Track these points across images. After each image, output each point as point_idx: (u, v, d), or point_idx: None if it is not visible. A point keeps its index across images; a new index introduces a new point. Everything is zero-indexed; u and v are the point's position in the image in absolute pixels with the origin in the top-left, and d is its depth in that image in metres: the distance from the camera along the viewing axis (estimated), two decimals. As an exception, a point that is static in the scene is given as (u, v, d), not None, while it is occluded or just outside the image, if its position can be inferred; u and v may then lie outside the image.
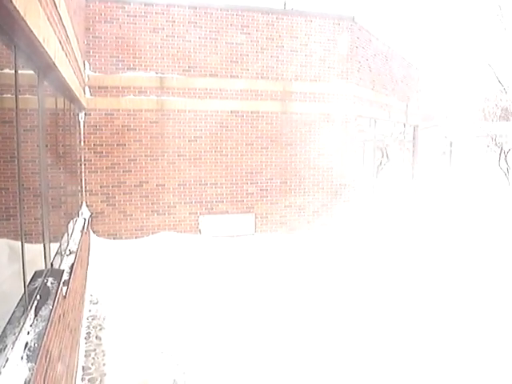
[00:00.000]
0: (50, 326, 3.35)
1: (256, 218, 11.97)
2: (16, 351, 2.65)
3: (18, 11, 2.45)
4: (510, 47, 21.06)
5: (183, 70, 11.08)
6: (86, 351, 6.01)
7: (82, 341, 6.27)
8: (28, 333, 2.97)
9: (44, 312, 3.38)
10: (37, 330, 3.06)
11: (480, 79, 24.41)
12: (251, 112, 11.74)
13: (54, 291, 3.86)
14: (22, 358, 2.63)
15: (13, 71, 3.16)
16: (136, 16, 10.63)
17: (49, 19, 3.92)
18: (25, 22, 2.70)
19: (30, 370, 2.57)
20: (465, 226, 14.78)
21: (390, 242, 12.66)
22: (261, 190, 12.00)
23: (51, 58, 4.04)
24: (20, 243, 3.25)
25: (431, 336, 6.81)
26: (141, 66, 10.76)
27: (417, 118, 20.86)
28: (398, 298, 8.37)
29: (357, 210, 13.49)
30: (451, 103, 30.76)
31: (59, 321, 4.02)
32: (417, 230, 14.30)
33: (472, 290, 8.76)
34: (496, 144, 26.85)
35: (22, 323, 2.97)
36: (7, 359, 2.52)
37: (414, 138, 21.08)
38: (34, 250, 3.87)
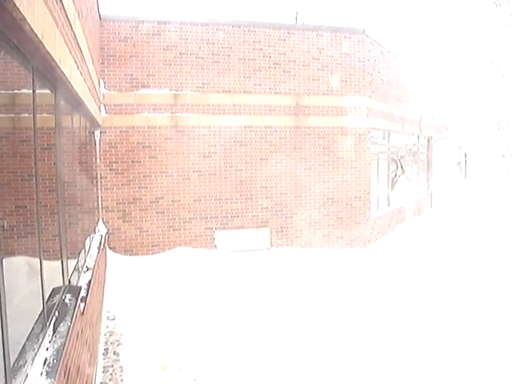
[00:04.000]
0: (69, 342, 3.39)
1: (271, 232, 11.97)
2: (35, 367, 2.68)
3: (35, 34, 2.52)
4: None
5: (197, 87, 11.17)
6: (103, 367, 6.03)
7: (100, 356, 6.30)
8: (47, 349, 3.01)
9: (62, 328, 3.42)
10: (55, 346, 3.10)
11: (494, 89, 24.28)
12: (265, 127, 11.79)
13: (71, 308, 3.90)
14: (41, 373, 2.67)
15: (30, 91, 3.23)
16: (149, 34, 10.77)
17: (65, 40, 4.00)
18: (42, 44, 2.77)
19: (49, 386, 2.60)
20: (485, 237, 14.65)
21: (409, 255, 12.58)
22: (275, 204, 12.01)
23: (67, 78, 4.12)
24: (38, 260, 3.30)
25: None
26: (155, 83, 10.87)
27: (430, 129, 20.81)
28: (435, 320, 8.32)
29: (373, 223, 13.44)
30: (465, 113, 30.62)
31: (77, 337, 4.06)
32: (435, 241, 14.21)
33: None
34: (511, 153, 26.67)
35: (40, 339, 3.01)
36: (27, 375, 2.55)
37: (427, 150, 21.01)
38: (51, 267, 3.92)
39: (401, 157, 17.05)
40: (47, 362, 2.84)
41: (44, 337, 3.08)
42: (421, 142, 19.75)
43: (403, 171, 17.05)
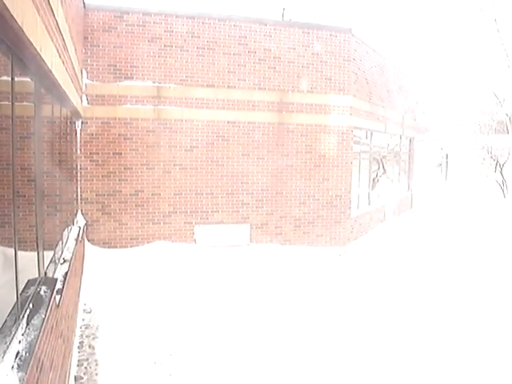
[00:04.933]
0: (43, 335, 3.33)
1: (251, 228, 11.95)
2: (6, 361, 2.63)
3: (15, 20, 2.46)
4: (504, 61, 21.19)
5: (180, 80, 11.10)
6: (78, 360, 5.97)
7: (75, 350, 6.23)
8: (19, 342, 2.95)
9: (36, 321, 3.37)
10: (28, 339, 3.04)
11: (476, 92, 24.52)
12: (248, 122, 11.75)
13: (47, 300, 3.84)
14: (12, 367, 2.61)
15: (9, 78, 3.16)
16: (134, 25, 10.66)
17: (46, 28, 3.93)
18: (22, 30, 2.71)
19: (20, 380, 2.55)
20: (463, 237, 14.82)
21: (389, 254, 12.69)
22: (256, 200, 11.99)
23: (48, 67, 4.05)
24: (13, 251, 3.24)
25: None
26: (138, 75, 10.77)
27: (413, 130, 20.93)
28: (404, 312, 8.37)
29: (353, 222, 13.49)
30: (447, 115, 30.86)
31: (52, 330, 4.00)
32: (414, 240, 14.32)
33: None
34: (491, 157, 26.97)
35: (13, 332, 2.95)
36: (-3, 368, 2.50)
37: (409, 150, 21.14)
38: (27, 258, 3.85)
39: (383, 157, 17.13)
40: (19, 355, 2.79)
41: (17, 329, 3.02)
42: (403, 142, 19.84)
43: (384, 171, 17.13)
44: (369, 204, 15.60)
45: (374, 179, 16.23)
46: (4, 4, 2.17)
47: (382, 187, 17.04)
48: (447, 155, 35.68)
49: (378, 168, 16.69)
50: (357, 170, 14.37)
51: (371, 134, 15.48)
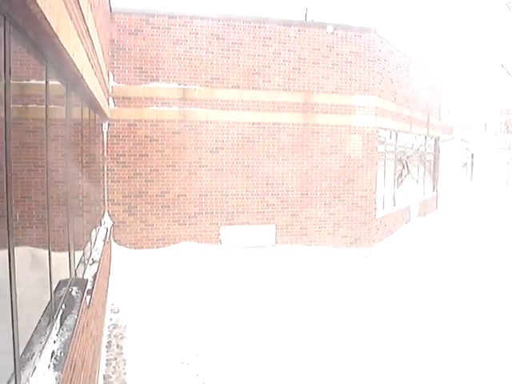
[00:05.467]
0: (75, 335, 3.39)
1: (277, 229, 11.95)
2: (43, 360, 2.68)
3: (51, 27, 2.51)
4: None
5: (206, 82, 11.16)
6: (107, 360, 6.05)
7: (103, 349, 6.31)
8: (54, 342, 3.01)
9: (69, 321, 3.43)
10: (62, 339, 3.10)
11: (501, 91, 24.18)
12: (273, 123, 11.76)
13: (78, 300, 3.90)
14: (48, 366, 2.67)
15: (43, 82, 3.23)
16: (160, 28, 10.75)
17: (78, 33, 3.99)
18: (57, 37, 2.76)
19: (56, 379, 2.60)
20: (489, 240, 14.63)
21: (414, 256, 12.58)
22: (282, 201, 11.99)
23: (79, 71, 4.11)
24: (46, 251, 3.30)
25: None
26: (164, 77, 10.86)
27: (438, 130, 20.75)
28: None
29: (378, 223, 13.41)
30: (472, 115, 30.52)
31: (83, 330, 4.06)
32: (440, 242, 14.18)
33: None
34: (519, 157, 26.58)
35: (48, 332, 3.01)
36: (35, 368, 2.56)
37: (434, 150, 20.97)
38: (56, 259, 3.92)
39: (407, 157, 17.01)
40: (54, 354, 2.84)
41: (51, 330, 3.08)
42: (428, 142, 19.69)
43: (409, 171, 17.00)
44: (394, 205, 15.50)
45: (398, 180, 16.12)
46: (42, 13, 2.21)
47: (406, 188, 16.91)
48: (473, 155, 35.26)
49: (403, 168, 16.57)
50: (382, 171, 14.29)
51: (396, 134, 15.38)
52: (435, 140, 20.86)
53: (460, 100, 30.69)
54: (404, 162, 16.60)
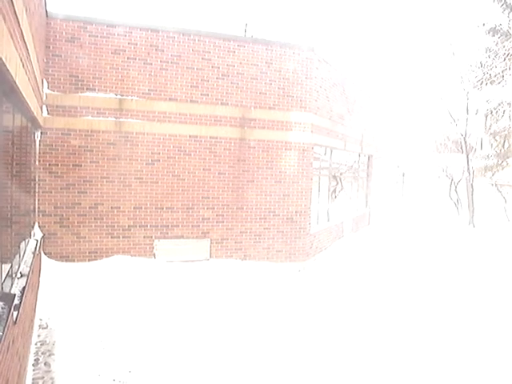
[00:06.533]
0: None
1: (211, 243, 11.89)
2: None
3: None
4: (458, 82, 21.83)
5: (143, 93, 11.02)
6: (33, 379, 5.78)
7: (30, 367, 6.05)
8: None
9: (-7, 339, 3.26)
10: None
11: (432, 112, 25.16)
12: (210, 137, 11.74)
13: (4, 317, 3.72)
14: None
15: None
16: (98, 36, 10.55)
17: (12, 37, 3.85)
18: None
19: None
20: (416, 251, 15.17)
21: (347, 270, 12.84)
22: (217, 215, 11.95)
23: (12, 77, 3.96)
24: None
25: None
26: (100, 86, 10.65)
27: (371, 147, 21.30)
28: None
29: (312, 238, 13.58)
30: (404, 134, 31.60)
31: (8, 348, 3.88)
32: (371, 257, 14.52)
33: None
34: (447, 175, 27.68)
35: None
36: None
37: (368, 167, 21.50)
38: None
39: (341, 173, 17.35)
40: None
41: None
42: (361, 159, 20.18)
43: (342, 187, 17.34)
44: (328, 220, 15.75)
45: (332, 195, 16.40)
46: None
47: (340, 204, 17.24)
48: (403, 173, 36.43)
49: (337, 184, 16.88)
50: (316, 187, 14.50)
51: (331, 151, 15.67)
52: (369, 157, 21.41)
53: (394, 119, 31.70)
54: (338, 179, 16.92)
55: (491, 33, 21.91)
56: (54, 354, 6.45)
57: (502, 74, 20.70)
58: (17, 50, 4.26)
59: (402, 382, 6.50)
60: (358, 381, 6.49)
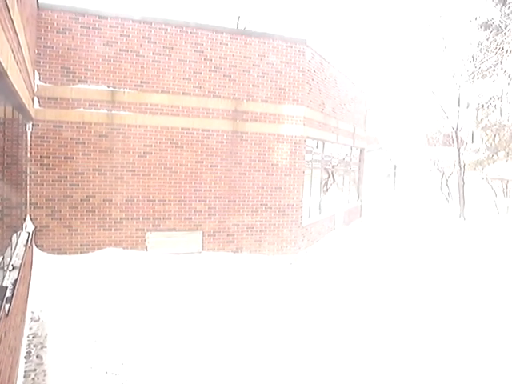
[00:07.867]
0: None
1: (204, 235, 11.89)
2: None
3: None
4: (450, 76, 21.91)
5: (135, 85, 10.97)
6: (25, 371, 5.78)
7: (22, 360, 6.04)
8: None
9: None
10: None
11: (424, 105, 25.22)
12: (202, 130, 11.72)
13: (-4, 310, 3.72)
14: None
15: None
16: (89, 28, 10.48)
17: (2, 27, 3.82)
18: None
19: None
20: (407, 243, 15.30)
21: (339, 262, 12.91)
22: (209, 207, 11.94)
23: (3, 67, 3.94)
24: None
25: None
26: (92, 78, 10.59)
27: (363, 140, 21.34)
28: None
29: (304, 230, 13.61)
30: (396, 127, 31.66)
31: (0, 341, 3.87)
32: (363, 250, 14.59)
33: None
34: (438, 168, 27.80)
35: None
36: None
37: (359, 161, 21.55)
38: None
39: (333, 166, 17.38)
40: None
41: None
42: (353, 152, 20.21)
43: (334, 180, 17.37)
44: (320, 213, 15.78)
45: (324, 188, 16.44)
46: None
47: (332, 196, 17.28)
48: (395, 166, 36.53)
49: (329, 177, 16.92)
50: (308, 180, 14.52)
51: (323, 144, 15.68)
52: (360, 150, 21.45)
53: (386, 112, 31.73)
54: (330, 172, 16.95)
55: (483, 27, 22.04)
56: (46, 347, 6.45)
57: (493, 68, 20.80)
58: (8, 40, 4.24)
59: (392, 374, 6.55)
60: (348, 374, 6.53)
